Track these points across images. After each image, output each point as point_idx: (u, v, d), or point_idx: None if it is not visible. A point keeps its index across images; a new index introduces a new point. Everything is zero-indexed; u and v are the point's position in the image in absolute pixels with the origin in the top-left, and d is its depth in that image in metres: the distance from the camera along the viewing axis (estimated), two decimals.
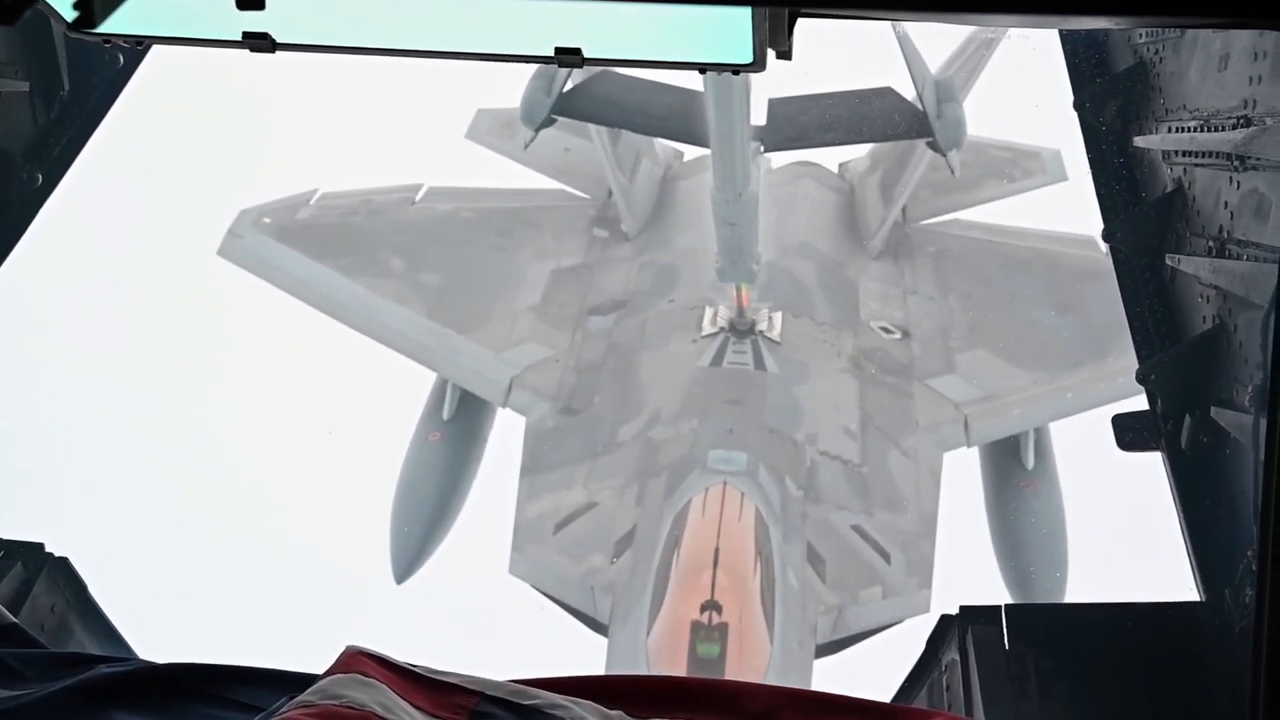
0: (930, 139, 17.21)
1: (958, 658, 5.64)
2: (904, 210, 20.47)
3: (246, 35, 3.29)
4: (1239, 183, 5.63)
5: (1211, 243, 5.88)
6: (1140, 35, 7.22)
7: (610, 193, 20.51)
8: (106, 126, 7.38)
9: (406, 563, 18.21)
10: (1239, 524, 5.40)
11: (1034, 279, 19.36)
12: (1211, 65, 6.08)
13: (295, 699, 2.96)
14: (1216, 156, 5.85)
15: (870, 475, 16.70)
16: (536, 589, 16.11)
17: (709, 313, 18.36)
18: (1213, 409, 5.69)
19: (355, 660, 3.17)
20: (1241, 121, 5.56)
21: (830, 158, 21.98)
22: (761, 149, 16.91)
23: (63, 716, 3.19)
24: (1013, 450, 18.57)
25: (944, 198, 20.93)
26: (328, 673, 3.13)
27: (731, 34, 3.16)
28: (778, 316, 18.34)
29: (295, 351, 32.01)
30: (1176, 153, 6.46)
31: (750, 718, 3.33)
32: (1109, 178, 7.27)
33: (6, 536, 5.81)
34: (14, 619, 3.70)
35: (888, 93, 17.35)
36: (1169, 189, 6.58)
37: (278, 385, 34.86)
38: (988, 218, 21.10)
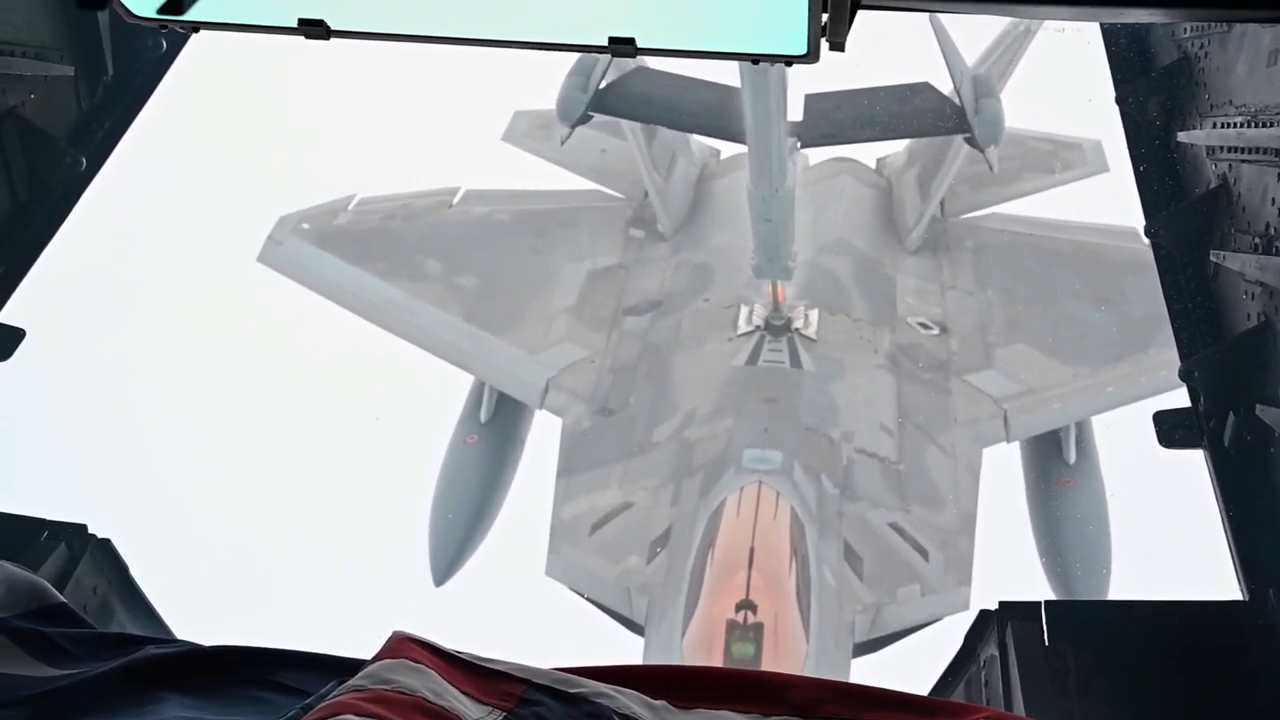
0: (968, 135, 17.11)
1: (997, 653, 5.62)
2: (942, 205, 20.22)
3: (302, 22, 3.28)
4: None
5: (1258, 239, 5.83)
6: (1185, 30, 7.16)
7: (646, 193, 20.36)
8: (149, 111, 7.43)
9: (445, 566, 18.10)
10: None
11: (1074, 272, 19.10)
12: (1260, 60, 6.02)
13: (345, 683, 2.96)
14: (1264, 153, 5.79)
15: (908, 472, 16.49)
16: (573, 590, 16.03)
17: (744, 311, 18.17)
18: (1257, 407, 5.64)
19: (403, 646, 3.17)
20: None
21: (867, 153, 21.72)
22: (798, 145, 16.80)
23: (113, 696, 3.20)
24: (1054, 445, 18.30)
25: (983, 192, 20.64)
26: (376, 658, 3.13)
27: (786, 24, 3.15)
28: (814, 314, 18.11)
29: (333, 354, 32.09)
30: (1222, 148, 6.40)
31: (794, 710, 3.31)
32: (1151, 173, 7.22)
33: (51, 517, 5.86)
34: (63, 598, 3.72)
35: (925, 88, 17.22)
36: (1213, 185, 6.53)
37: (315, 386, 34.98)
38: (1028, 211, 20.76)
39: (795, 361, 17.35)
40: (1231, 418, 5.92)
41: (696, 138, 21.12)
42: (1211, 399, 6.14)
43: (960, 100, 17.01)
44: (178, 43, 7.37)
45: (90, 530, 5.91)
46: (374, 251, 19.59)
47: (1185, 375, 6.29)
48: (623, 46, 3.27)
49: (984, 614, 5.88)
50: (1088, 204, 20.54)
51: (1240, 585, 5.52)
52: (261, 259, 19.60)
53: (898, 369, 17.80)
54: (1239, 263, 6.00)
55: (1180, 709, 5.19)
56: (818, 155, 21.16)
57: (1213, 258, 6.40)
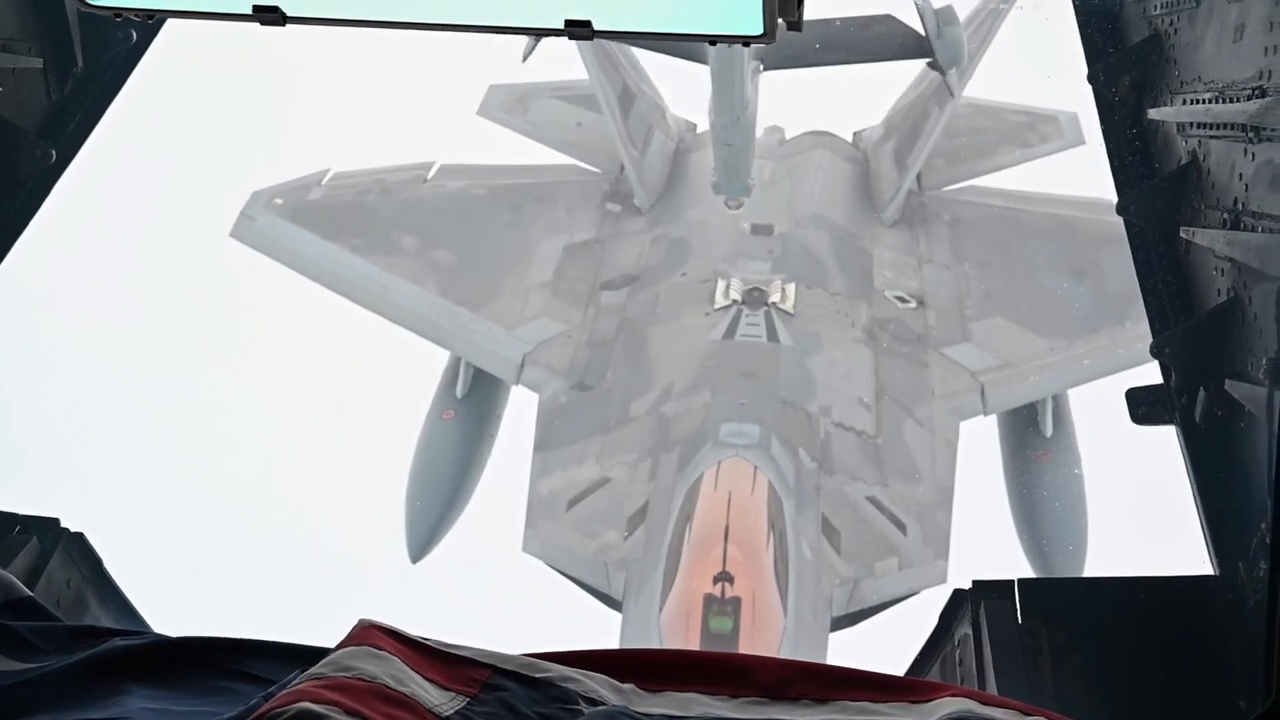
0: (931, 59, 17.30)
1: (970, 632, 5.65)
2: (919, 179, 20.36)
3: (257, 8, 3.27)
4: (1254, 154, 5.59)
5: (1226, 215, 5.85)
6: (1155, 6, 7.17)
7: (622, 167, 20.39)
8: (120, 103, 7.39)
9: (422, 542, 18.19)
10: (1253, 498, 5.39)
11: (1050, 245, 19.21)
12: (1227, 36, 6.03)
13: (307, 671, 2.97)
14: (1231, 128, 5.81)
15: (885, 446, 16.58)
16: (550, 566, 16.07)
17: (721, 285, 18.29)
18: (1227, 382, 5.67)
19: (367, 633, 3.17)
20: (1257, 92, 5.52)
21: (844, 126, 21.93)
22: (761, 68, 16.72)
23: (78, 689, 3.20)
24: (1030, 419, 18.47)
25: (960, 165, 20.85)
26: (340, 646, 3.13)
27: (741, 4, 3.15)
28: (791, 288, 18.24)
29: (309, 331, 32.07)
30: (1191, 125, 6.42)
31: (762, 690, 3.33)
32: (1123, 150, 7.24)
33: (22, 512, 5.83)
34: (29, 592, 3.71)
35: (889, 19, 17.36)
36: (1184, 161, 6.54)
37: (291, 364, 35.01)
38: (1005, 183, 20.94)
39: (772, 335, 17.49)
40: (1202, 393, 5.94)
41: (672, 109, 21.19)
42: (1182, 375, 6.16)
43: (924, 28, 17.10)
44: (148, 34, 7.33)
45: (63, 524, 5.88)
46: (348, 227, 19.62)
47: (1157, 351, 6.31)
48: (579, 29, 3.27)
49: (958, 593, 5.90)
50: (1065, 176, 20.55)
51: (1210, 560, 5.55)
52: (234, 234, 19.59)
53: (875, 343, 17.92)
54: (1208, 239, 6.02)
55: (1152, 683, 5.22)
56: (793, 129, 21.40)
57: (1183, 234, 6.41)
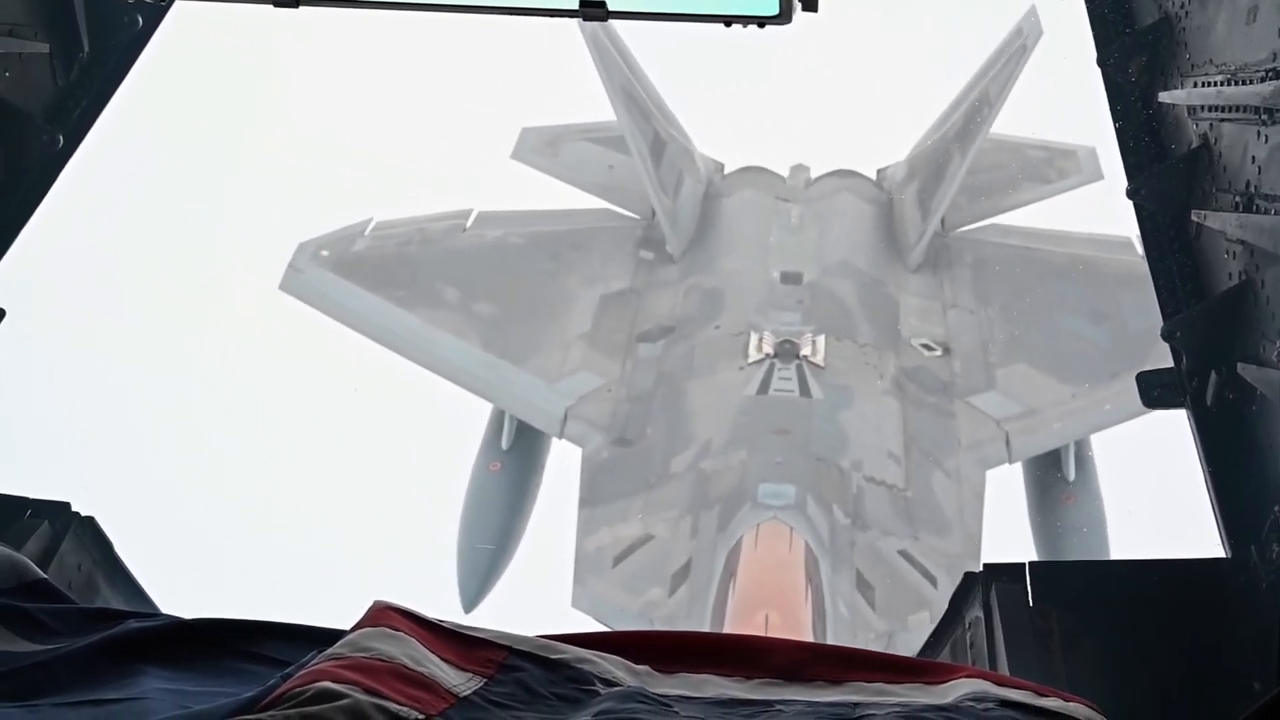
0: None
1: (981, 615, 5.63)
2: (942, 219, 20.63)
3: None
4: (1266, 137, 5.57)
5: (1238, 198, 5.83)
6: None
7: (654, 211, 20.80)
8: (126, 88, 7.38)
9: (473, 592, 18.68)
10: (1265, 480, 5.37)
11: (1071, 286, 19.60)
12: (1239, 18, 6.00)
13: (325, 652, 2.98)
14: (1244, 111, 5.79)
15: (915, 499, 16.95)
16: (598, 622, 16.20)
17: (754, 339, 18.74)
18: (1239, 365, 5.65)
19: (383, 614, 3.18)
20: (1270, 74, 5.50)
21: (868, 164, 22.27)
22: None
23: (93, 670, 3.20)
24: (1054, 462, 18.76)
25: (982, 202, 21.14)
26: (356, 627, 3.14)
27: None
28: (820, 340, 18.61)
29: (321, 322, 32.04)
30: (1203, 108, 6.40)
31: (777, 672, 3.34)
32: (1134, 134, 7.21)
33: (34, 496, 5.83)
34: (43, 574, 3.71)
35: None
36: (1195, 144, 6.52)
37: (300, 352, 34.84)
38: (1026, 219, 21.35)
39: (804, 390, 17.95)
40: (1213, 376, 5.93)
41: (701, 150, 21.80)
42: (1193, 358, 6.14)
43: None
44: (154, 19, 7.32)
45: (74, 508, 5.88)
46: (392, 279, 20.19)
47: (1167, 335, 6.29)
48: (594, 10, 3.27)
49: (969, 576, 5.89)
50: (1086, 208, 20.76)
51: (1223, 542, 5.54)
52: (283, 287, 20.23)
53: (903, 394, 18.36)
54: (1220, 221, 6.00)
55: (1163, 666, 5.20)
56: (818, 169, 21.86)
57: (1194, 217, 6.39)
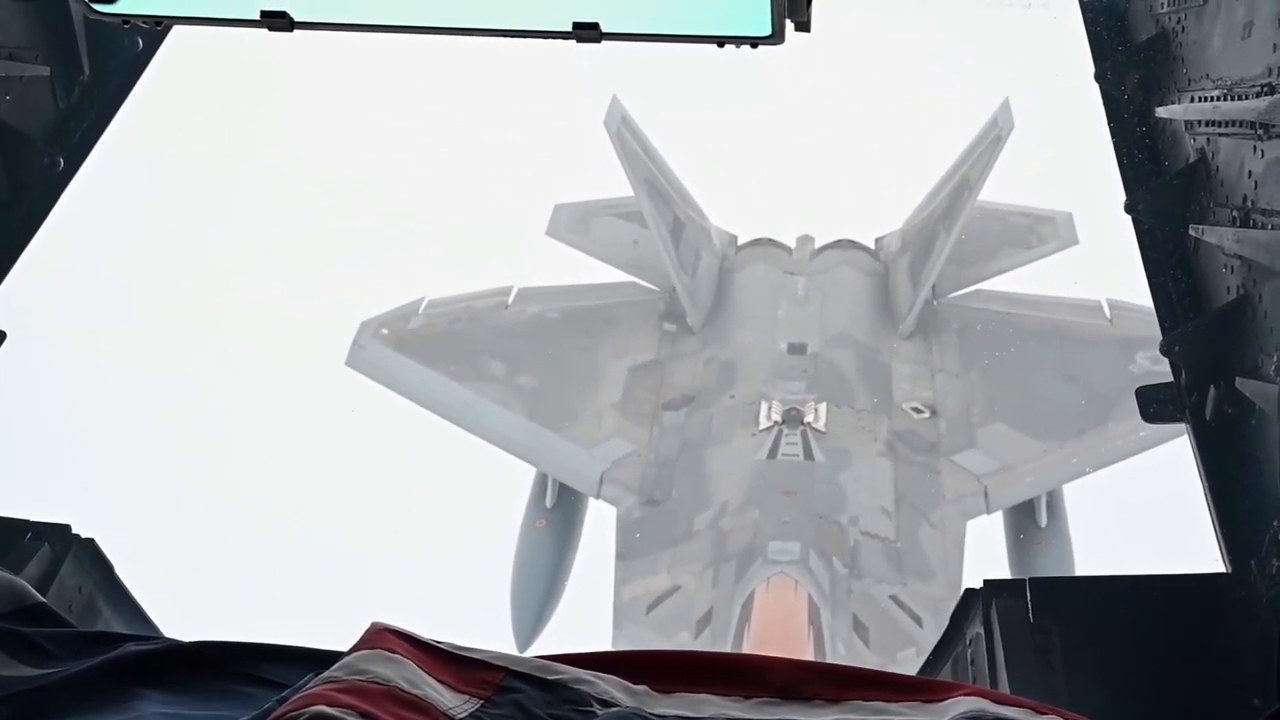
0: None
1: (982, 631, 5.62)
2: (932, 286, 22.52)
3: (264, 14, 3.28)
4: (1263, 151, 5.58)
5: (1235, 213, 5.84)
6: (1162, 4, 7.17)
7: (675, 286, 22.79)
8: (127, 111, 7.40)
9: (526, 637, 20.54)
10: (1265, 495, 5.36)
11: (1045, 349, 21.79)
12: (1235, 33, 6.02)
13: (321, 674, 2.97)
14: (1240, 125, 5.80)
15: (904, 549, 19.05)
16: None
17: (765, 408, 20.87)
18: (1238, 380, 5.65)
19: (380, 636, 3.17)
20: (1265, 89, 5.51)
21: (868, 234, 24.38)
22: None
23: (92, 694, 3.19)
24: (1029, 510, 20.72)
25: (968, 269, 23.11)
26: (353, 649, 3.13)
27: (749, 6, 3.15)
28: (822, 408, 20.84)
29: (321, 346, 32.14)
30: (1199, 122, 6.41)
31: (775, 691, 3.32)
32: (1131, 149, 7.23)
33: (34, 519, 5.84)
34: (42, 598, 3.70)
35: None
36: (1192, 159, 6.54)
37: (298, 364, 34.80)
38: (1008, 284, 23.41)
39: (808, 454, 20.34)
40: (1212, 391, 5.93)
41: (717, 224, 24.35)
42: (1192, 373, 6.15)
43: None
44: (154, 41, 7.35)
45: (74, 530, 5.89)
46: (445, 354, 22.57)
47: (1166, 350, 6.30)
48: (587, 32, 3.28)
49: (969, 593, 5.88)
50: (1066, 266, 23.23)
51: (1223, 557, 5.53)
52: (349, 363, 22.56)
53: (894, 454, 20.64)
54: (1218, 236, 6.01)
55: (1165, 681, 5.18)
56: (821, 240, 24.20)
57: (1192, 232, 6.40)
